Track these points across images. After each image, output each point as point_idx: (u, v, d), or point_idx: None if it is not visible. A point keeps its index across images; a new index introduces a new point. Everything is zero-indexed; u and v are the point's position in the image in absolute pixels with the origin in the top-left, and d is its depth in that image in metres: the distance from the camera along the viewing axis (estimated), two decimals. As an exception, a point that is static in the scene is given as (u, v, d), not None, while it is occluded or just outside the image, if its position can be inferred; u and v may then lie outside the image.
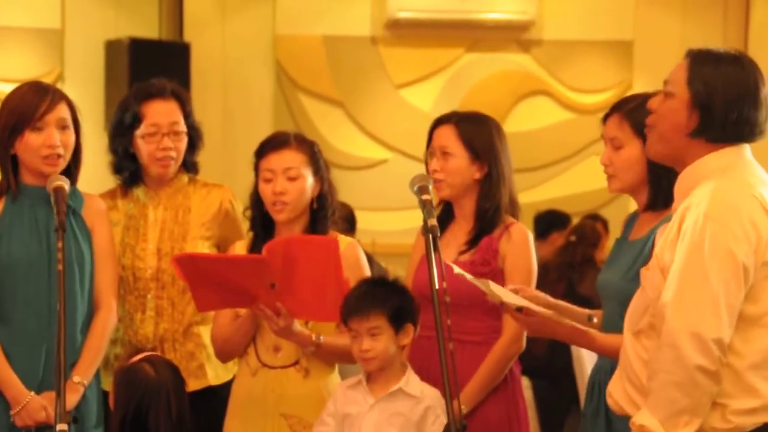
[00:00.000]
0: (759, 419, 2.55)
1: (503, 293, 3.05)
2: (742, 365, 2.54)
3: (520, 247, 3.48)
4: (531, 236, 3.52)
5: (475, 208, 3.53)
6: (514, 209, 3.56)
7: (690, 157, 2.66)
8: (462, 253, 3.47)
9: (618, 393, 2.67)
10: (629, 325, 2.69)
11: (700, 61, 2.64)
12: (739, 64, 2.63)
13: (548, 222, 7.65)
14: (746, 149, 2.67)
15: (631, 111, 3.04)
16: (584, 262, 6.53)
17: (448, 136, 3.52)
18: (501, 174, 3.53)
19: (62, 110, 3.44)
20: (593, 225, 7.09)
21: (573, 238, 6.83)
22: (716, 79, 2.60)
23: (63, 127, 3.43)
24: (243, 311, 3.36)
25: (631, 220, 3.21)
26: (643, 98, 2.98)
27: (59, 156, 3.42)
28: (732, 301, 2.51)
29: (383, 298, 3.22)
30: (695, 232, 2.54)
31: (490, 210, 3.50)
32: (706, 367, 2.49)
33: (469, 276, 3.06)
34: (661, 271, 2.61)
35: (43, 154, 3.40)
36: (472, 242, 3.49)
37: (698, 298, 2.51)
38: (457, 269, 3.08)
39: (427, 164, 3.58)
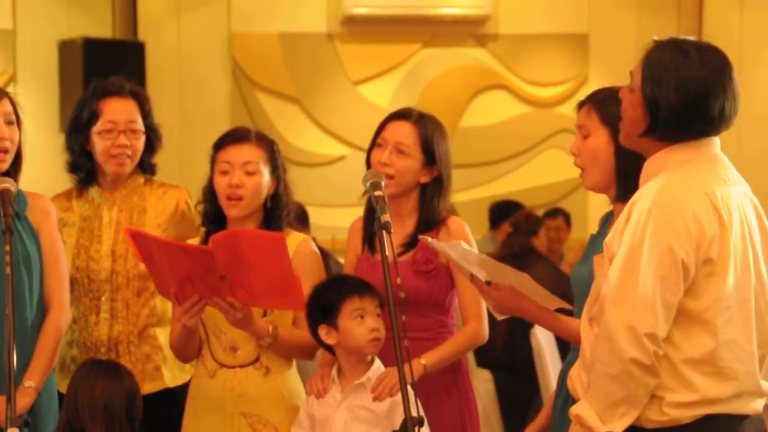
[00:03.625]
0: (696, 412, 2.57)
1: (471, 261, 3.02)
2: (679, 358, 2.56)
3: (460, 238, 3.41)
4: (468, 228, 3.51)
5: (418, 210, 3.50)
6: (450, 210, 3.57)
7: (648, 152, 2.69)
8: (401, 254, 3.44)
9: (575, 377, 2.70)
10: (585, 311, 2.71)
11: (653, 59, 2.64)
12: (690, 60, 2.61)
13: (501, 212, 7.68)
14: (711, 144, 2.68)
15: (600, 101, 3.06)
16: (525, 252, 6.54)
17: (407, 134, 3.47)
18: (449, 179, 3.54)
19: (6, 105, 3.41)
20: (528, 214, 7.10)
21: (510, 230, 6.90)
22: (664, 82, 2.60)
23: (8, 122, 3.40)
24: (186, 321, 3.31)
25: (607, 218, 3.23)
26: (614, 91, 3.01)
27: (7, 150, 3.38)
28: (668, 297, 2.53)
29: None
30: (638, 227, 2.55)
31: (436, 214, 3.49)
32: (641, 360, 2.51)
33: (441, 243, 3.07)
34: (609, 261, 2.63)
35: None
36: (411, 244, 3.45)
37: (635, 293, 2.52)
38: (429, 239, 3.11)
39: (370, 154, 3.51)
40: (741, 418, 2.62)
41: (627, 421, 2.55)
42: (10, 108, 3.42)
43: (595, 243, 3.15)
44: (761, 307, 2.66)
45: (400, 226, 3.47)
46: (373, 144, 3.52)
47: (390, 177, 3.41)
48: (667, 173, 2.61)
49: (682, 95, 2.59)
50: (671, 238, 2.52)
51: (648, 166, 2.68)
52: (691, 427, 2.58)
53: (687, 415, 2.57)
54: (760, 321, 2.65)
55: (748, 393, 2.62)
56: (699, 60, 2.61)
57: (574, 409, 2.63)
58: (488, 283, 3.04)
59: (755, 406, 2.65)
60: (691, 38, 2.69)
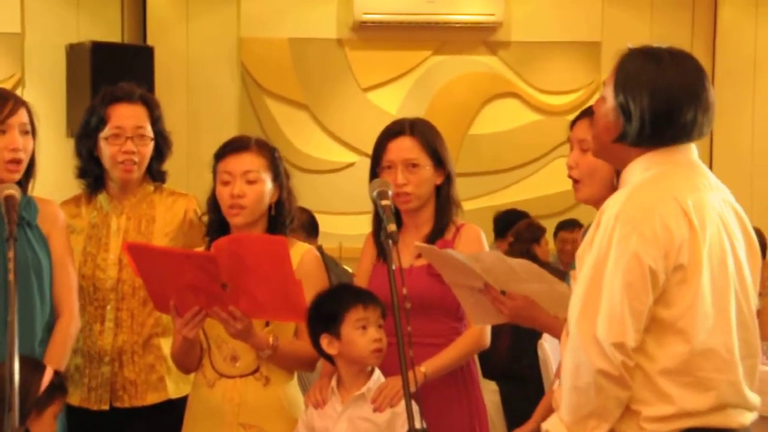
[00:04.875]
0: (674, 426, 2.50)
1: (490, 268, 3.01)
2: (654, 370, 2.50)
3: (475, 243, 3.47)
4: (483, 234, 3.53)
5: (434, 214, 3.52)
6: (457, 208, 3.58)
7: (621, 161, 2.65)
8: (418, 257, 3.43)
9: (557, 393, 2.64)
10: (566, 326, 2.64)
11: (625, 66, 2.61)
12: (663, 66, 2.57)
13: (506, 221, 7.66)
14: (686, 150, 2.63)
15: None
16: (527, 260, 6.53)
17: (410, 148, 3.49)
18: (453, 171, 3.57)
19: (23, 115, 3.43)
20: (529, 223, 7.13)
21: (511, 239, 6.93)
22: (636, 88, 2.57)
23: (24, 132, 3.42)
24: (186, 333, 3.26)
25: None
26: None
27: (20, 161, 3.39)
28: (637, 305, 2.46)
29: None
30: (605, 235, 2.50)
31: (449, 212, 3.52)
32: (608, 371, 2.44)
33: (458, 254, 3.06)
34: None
35: (5, 158, 3.37)
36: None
37: (600, 303, 2.46)
38: (449, 250, 3.10)
39: (378, 176, 3.48)
40: None
41: None
42: (26, 119, 3.44)
43: None
44: (745, 316, 2.59)
45: (416, 232, 3.52)
46: (378, 167, 3.52)
47: (407, 194, 3.45)
48: (638, 181, 2.57)
49: (654, 100, 2.55)
50: (638, 245, 2.45)
51: (624, 175, 2.64)
52: None
53: (665, 429, 2.50)
54: (744, 330, 2.58)
55: (731, 405, 2.54)
56: (672, 66, 2.58)
57: (545, 425, 2.57)
58: (503, 292, 3.03)
59: (740, 419, 2.57)
60: (665, 46, 2.65)
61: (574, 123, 3.22)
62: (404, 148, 3.48)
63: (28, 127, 3.43)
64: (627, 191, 2.54)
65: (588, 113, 3.14)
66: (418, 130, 3.52)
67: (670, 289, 2.49)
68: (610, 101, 2.61)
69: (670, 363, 2.49)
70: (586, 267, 2.52)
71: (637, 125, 2.57)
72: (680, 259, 2.48)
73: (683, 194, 2.53)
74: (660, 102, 2.55)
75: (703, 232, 2.52)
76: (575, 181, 3.17)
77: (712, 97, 2.61)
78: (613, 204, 2.53)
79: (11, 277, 2.86)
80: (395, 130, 3.54)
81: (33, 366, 3.11)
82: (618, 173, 2.99)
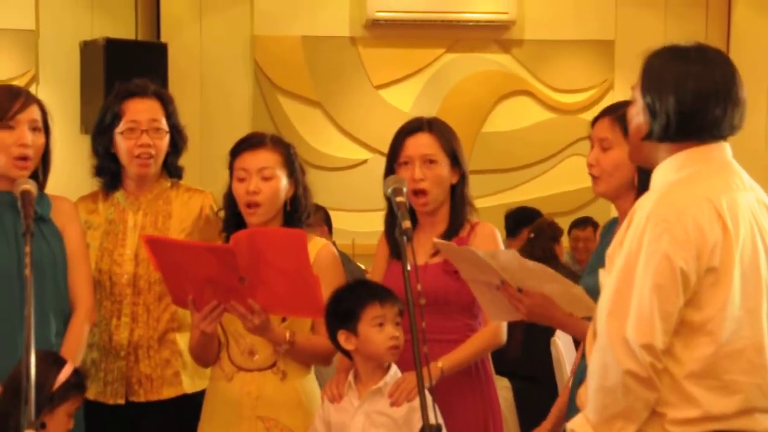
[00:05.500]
0: (700, 429, 2.47)
1: (506, 266, 3.01)
2: (681, 373, 2.47)
3: (490, 240, 3.48)
4: (498, 232, 3.55)
5: (449, 213, 3.53)
6: (472, 208, 3.59)
7: (653, 160, 2.62)
8: (433, 255, 3.44)
9: (582, 393, 2.63)
10: (591, 326, 2.63)
11: (650, 66, 2.60)
12: (688, 63, 2.55)
13: (518, 219, 7.63)
14: (719, 150, 2.59)
15: (624, 115, 3.02)
16: (547, 258, 6.49)
17: (429, 144, 3.50)
18: (467, 170, 3.58)
19: (34, 112, 3.43)
20: (551, 220, 7.10)
21: (531, 235, 6.87)
22: (661, 86, 2.54)
23: (34, 129, 3.42)
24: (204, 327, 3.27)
25: (610, 227, 3.18)
26: None
27: (29, 158, 3.39)
28: (667, 308, 2.43)
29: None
30: (636, 235, 2.47)
31: (463, 211, 3.53)
32: (637, 372, 2.42)
33: (476, 250, 3.06)
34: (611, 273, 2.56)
35: (14, 154, 3.38)
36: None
37: (630, 303, 2.44)
38: (467, 247, 3.10)
39: (394, 172, 3.48)
40: None
41: None
42: (37, 116, 3.43)
43: (600, 254, 3.10)
44: None
45: (431, 231, 3.52)
46: (394, 163, 3.52)
47: (424, 193, 3.46)
48: (671, 181, 2.54)
49: (679, 98, 2.52)
50: (669, 246, 2.42)
51: (655, 175, 2.61)
52: None
53: (691, 431, 2.47)
54: None
55: (758, 410, 2.50)
56: (698, 63, 2.55)
57: (570, 425, 2.55)
58: (520, 290, 3.03)
59: None
60: (692, 43, 2.62)
61: (595, 121, 3.20)
62: (422, 144, 3.49)
63: (39, 124, 3.43)
64: (659, 191, 2.52)
65: (609, 112, 3.13)
66: (436, 128, 3.54)
67: (701, 292, 2.46)
68: (639, 103, 2.60)
69: (696, 366, 2.46)
70: (616, 267, 2.50)
71: (663, 122, 2.54)
72: (713, 262, 2.45)
73: (717, 195, 2.49)
74: (686, 99, 2.52)
75: (737, 233, 2.48)
76: (595, 177, 3.15)
77: (743, 92, 2.57)
78: (644, 204, 2.50)
79: (27, 271, 2.87)
80: (413, 126, 3.55)
81: (51, 362, 3.11)
82: (640, 172, 2.98)
